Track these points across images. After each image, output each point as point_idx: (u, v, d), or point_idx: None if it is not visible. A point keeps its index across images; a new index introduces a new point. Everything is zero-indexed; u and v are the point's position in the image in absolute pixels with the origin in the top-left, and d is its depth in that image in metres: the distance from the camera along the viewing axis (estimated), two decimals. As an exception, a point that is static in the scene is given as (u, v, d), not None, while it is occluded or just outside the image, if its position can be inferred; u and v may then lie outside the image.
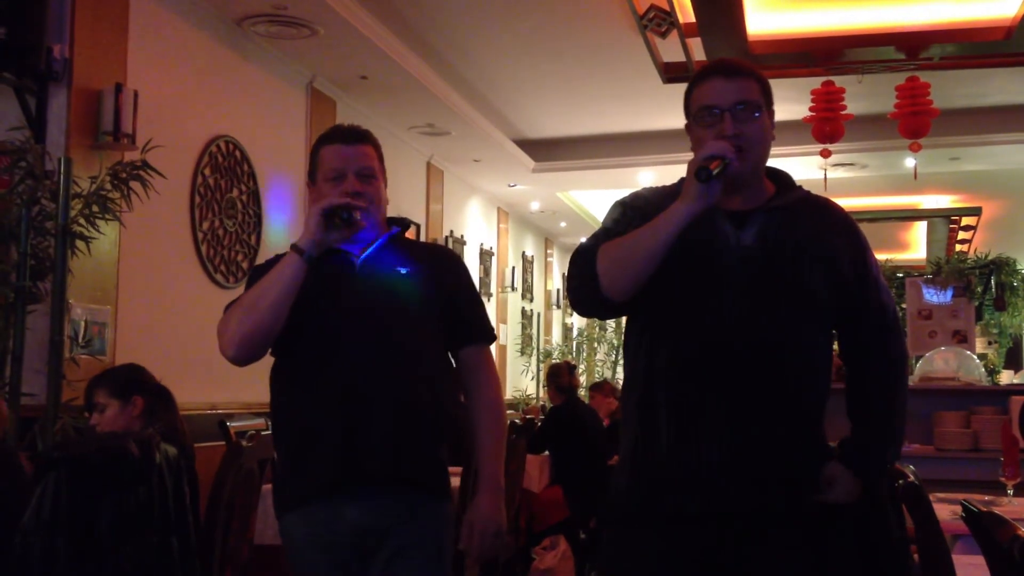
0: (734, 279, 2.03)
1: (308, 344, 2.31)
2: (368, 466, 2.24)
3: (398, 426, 2.26)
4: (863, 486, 2.07)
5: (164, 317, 5.18)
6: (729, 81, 2.09)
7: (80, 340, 4.32)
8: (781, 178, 2.19)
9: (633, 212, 2.13)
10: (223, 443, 4.68)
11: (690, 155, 2.08)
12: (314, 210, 2.29)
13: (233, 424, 4.94)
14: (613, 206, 2.21)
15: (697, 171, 1.94)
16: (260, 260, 5.87)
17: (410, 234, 2.67)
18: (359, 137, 2.45)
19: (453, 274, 2.51)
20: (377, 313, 2.32)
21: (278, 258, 2.39)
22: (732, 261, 2.04)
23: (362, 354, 2.28)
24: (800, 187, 2.18)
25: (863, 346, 2.16)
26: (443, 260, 2.54)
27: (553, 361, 10.51)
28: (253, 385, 5.57)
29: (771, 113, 2.15)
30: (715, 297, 2.03)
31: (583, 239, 2.26)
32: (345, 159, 2.39)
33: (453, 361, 2.49)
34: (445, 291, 2.44)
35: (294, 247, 2.29)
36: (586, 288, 2.06)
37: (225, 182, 5.76)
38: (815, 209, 2.16)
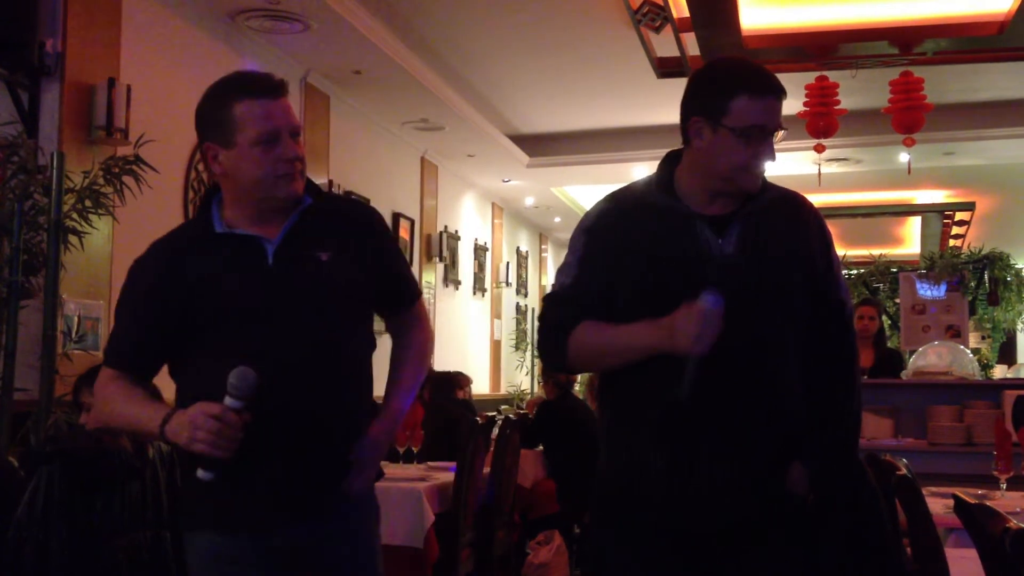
0: (719, 288, 1.99)
1: (216, 348, 1.96)
2: (302, 495, 2.00)
3: (334, 445, 2.02)
4: (826, 481, 2.06)
5: (158, 312, 5.16)
6: (778, 102, 2.02)
7: (73, 335, 4.31)
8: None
9: (596, 241, 2.06)
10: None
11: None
12: (191, 427, 1.83)
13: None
14: (575, 235, 2.11)
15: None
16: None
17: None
18: (282, 89, 2.06)
19: (375, 241, 2.15)
20: (299, 314, 1.99)
21: (157, 254, 2.08)
22: (715, 271, 2.01)
23: (287, 363, 1.96)
24: (773, 186, 2.13)
25: (818, 342, 2.07)
26: (363, 227, 2.15)
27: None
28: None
29: None
30: None
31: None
32: (274, 116, 1.99)
33: (384, 323, 2.25)
34: (371, 265, 2.11)
35: (161, 427, 1.90)
36: (556, 360, 2.10)
37: (219, 177, 5.74)
38: (787, 206, 2.12)
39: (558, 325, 2.05)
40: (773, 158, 2.00)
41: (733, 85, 1.98)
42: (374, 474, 2.12)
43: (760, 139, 1.97)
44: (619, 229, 2.03)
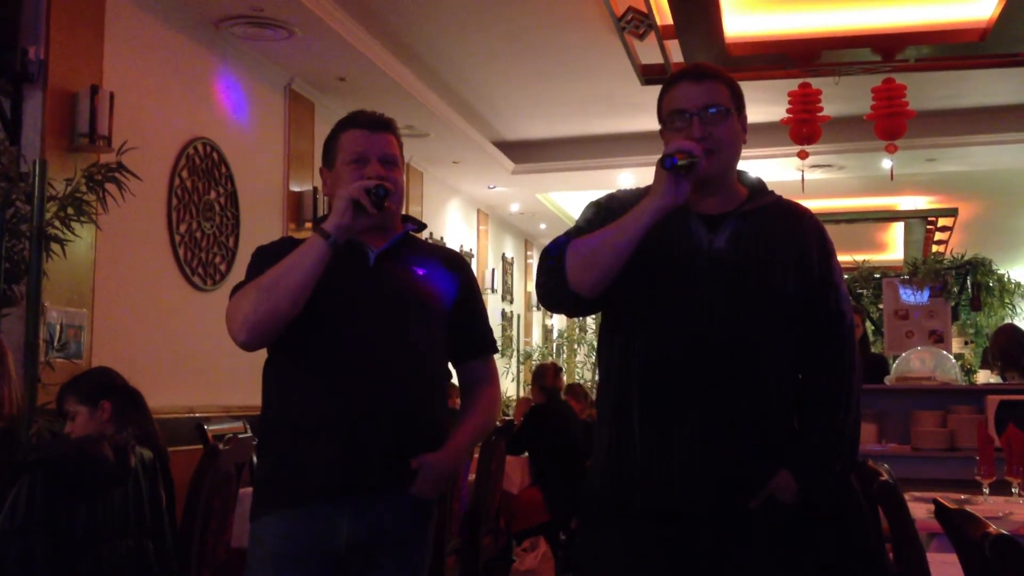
0: (707, 282, 2.04)
1: (313, 338, 2.20)
2: (366, 475, 2.16)
3: (399, 433, 2.19)
4: (817, 493, 2.05)
5: (141, 320, 5.15)
6: (697, 84, 2.11)
7: (56, 343, 4.29)
8: (755, 184, 2.21)
9: (606, 213, 2.12)
10: (200, 446, 4.65)
11: None
12: (342, 194, 2.17)
13: (210, 427, 4.93)
14: (587, 206, 2.21)
15: (661, 159, 1.95)
16: (238, 263, 5.86)
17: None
18: (382, 125, 2.35)
19: (465, 283, 2.43)
20: (388, 311, 2.23)
21: (284, 243, 2.31)
22: (704, 264, 2.05)
23: (370, 352, 2.19)
24: (773, 192, 2.19)
25: (815, 352, 2.10)
26: (456, 267, 2.44)
27: (536, 362, 10.51)
28: (230, 388, 5.57)
29: (742, 117, 2.16)
30: (688, 299, 2.04)
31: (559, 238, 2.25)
32: (368, 144, 2.30)
33: (456, 370, 2.44)
34: (457, 298, 2.37)
35: (319, 230, 2.16)
36: (554, 282, 2.07)
37: (202, 184, 5.73)
38: (787, 214, 2.17)
39: (555, 244, 2.11)
40: (700, 135, 2.07)
41: (662, 89, 2.17)
42: (432, 487, 2.25)
43: (681, 124, 2.10)
44: (621, 213, 2.06)
